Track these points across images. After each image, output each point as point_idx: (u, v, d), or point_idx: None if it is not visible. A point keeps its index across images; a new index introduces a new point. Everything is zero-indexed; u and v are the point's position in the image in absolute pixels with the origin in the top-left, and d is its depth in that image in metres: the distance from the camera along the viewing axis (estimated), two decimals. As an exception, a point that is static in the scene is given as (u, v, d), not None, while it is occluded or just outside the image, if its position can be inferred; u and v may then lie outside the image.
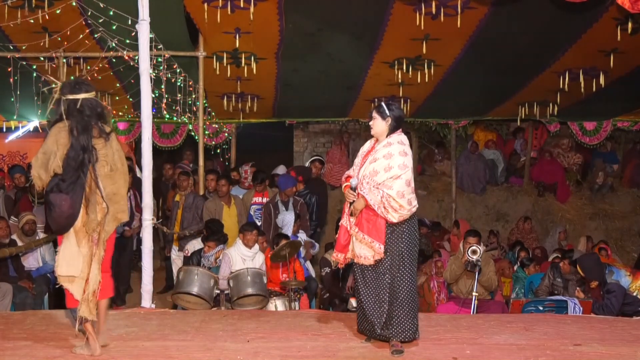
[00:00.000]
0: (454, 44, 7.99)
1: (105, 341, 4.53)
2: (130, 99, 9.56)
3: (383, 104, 4.70)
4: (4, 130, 10.27)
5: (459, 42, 7.90)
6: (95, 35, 7.78)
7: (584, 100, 9.55)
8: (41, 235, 7.69)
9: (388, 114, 4.65)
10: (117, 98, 9.88)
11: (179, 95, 8.82)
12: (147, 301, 6.15)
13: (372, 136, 4.81)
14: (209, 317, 5.66)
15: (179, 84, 8.67)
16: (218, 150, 11.56)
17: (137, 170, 9.64)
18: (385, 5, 7.05)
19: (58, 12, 7.22)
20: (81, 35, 7.72)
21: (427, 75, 8.71)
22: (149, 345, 4.63)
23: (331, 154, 12.08)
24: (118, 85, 9.14)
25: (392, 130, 4.66)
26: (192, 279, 6.45)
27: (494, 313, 6.45)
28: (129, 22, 6.99)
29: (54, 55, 8.19)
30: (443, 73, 8.86)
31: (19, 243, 7.42)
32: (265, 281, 6.62)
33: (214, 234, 7.27)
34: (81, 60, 8.52)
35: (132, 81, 8.26)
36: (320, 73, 9.02)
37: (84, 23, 7.55)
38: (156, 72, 8.13)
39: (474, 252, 6.57)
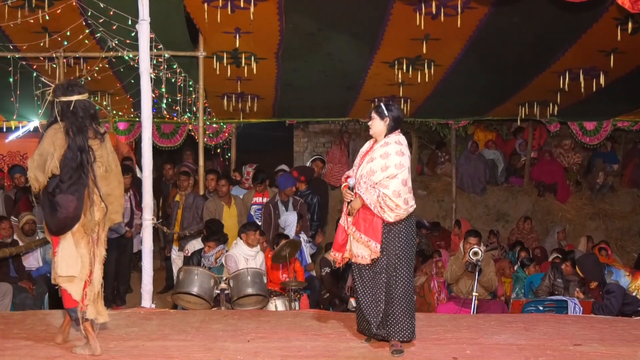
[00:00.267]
0: (454, 44, 7.99)
1: (66, 338, 4.56)
2: (130, 99, 9.57)
3: (382, 104, 4.74)
4: (4, 130, 10.27)
5: (459, 42, 7.90)
6: (95, 35, 7.78)
7: (584, 100, 9.55)
8: (41, 235, 7.69)
9: (386, 114, 4.67)
10: (117, 98, 9.88)
11: (179, 95, 8.82)
12: (147, 301, 6.16)
13: (372, 136, 4.83)
14: (209, 317, 5.66)
15: (179, 84, 8.67)
16: (218, 150, 11.56)
17: (137, 170, 9.65)
18: (385, 5, 7.05)
19: (58, 12, 7.22)
20: (81, 35, 7.72)
21: (427, 75, 8.70)
22: (149, 345, 4.63)
23: (331, 154, 12.08)
24: (118, 85, 9.14)
25: (390, 130, 4.68)
26: (192, 279, 6.45)
27: (494, 313, 6.45)
28: (129, 22, 6.99)
29: (54, 55, 8.19)
30: (443, 73, 8.85)
31: (20, 243, 7.42)
32: (265, 281, 6.62)
33: (214, 234, 7.27)
34: (81, 60, 8.52)
35: (132, 81, 8.27)
36: (320, 73, 9.02)
37: (84, 23, 7.55)
38: (156, 72, 8.14)
39: (476, 253, 6.56)
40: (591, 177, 12.44)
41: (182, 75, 8.62)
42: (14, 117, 9.68)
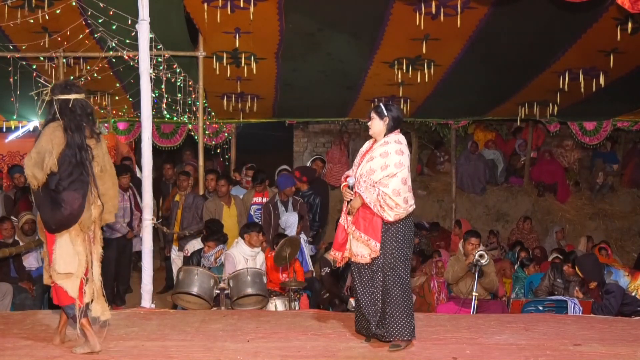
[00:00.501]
0: (453, 44, 7.99)
1: (63, 339, 4.56)
2: (130, 99, 9.57)
3: (381, 104, 4.77)
4: (4, 130, 10.27)
5: (458, 42, 7.90)
6: (95, 35, 7.78)
7: (584, 100, 9.55)
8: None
9: (386, 114, 4.68)
10: (117, 98, 9.88)
11: (179, 95, 8.82)
12: (147, 301, 6.15)
13: (371, 136, 4.84)
14: (209, 317, 5.66)
15: (178, 84, 8.68)
16: (218, 150, 11.56)
17: (137, 170, 9.64)
18: (385, 5, 7.05)
19: (58, 12, 7.22)
20: (81, 35, 7.72)
21: (427, 75, 8.70)
22: (149, 345, 4.63)
23: (331, 154, 12.08)
24: (118, 85, 9.14)
25: (389, 130, 4.70)
26: (192, 279, 6.45)
27: (494, 313, 6.45)
28: (129, 22, 6.99)
29: (54, 55, 8.19)
30: (443, 73, 8.85)
31: (20, 243, 7.42)
32: (265, 281, 6.62)
33: (214, 233, 7.27)
34: (81, 60, 8.52)
35: (132, 81, 8.27)
36: (320, 73, 9.02)
37: (84, 23, 7.55)
38: (156, 72, 8.14)
39: (482, 256, 6.56)
40: (591, 177, 12.45)
41: (182, 75, 8.62)
42: (14, 117, 9.68)
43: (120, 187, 7.94)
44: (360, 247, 4.63)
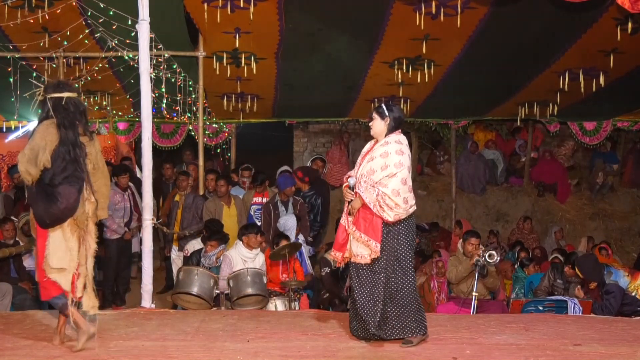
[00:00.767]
0: (453, 44, 7.99)
1: (63, 339, 4.57)
2: (130, 99, 9.56)
3: (383, 104, 4.77)
4: (4, 130, 10.27)
5: (458, 42, 7.90)
6: (95, 35, 7.78)
7: (584, 100, 9.55)
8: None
9: (387, 114, 4.69)
10: (117, 98, 9.88)
11: (179, 95, 8.82)
12: (147, 301, 6.16)
13: (372, 136, 4.84)
14: (209, 317, 5.66)
15: (178, 84, 8.67)
16: (218, 150, 11.56)
17: (137, 170, 9.64)
18: (385, 5, 7.05)
19: (58, 12, 7.22)
20: (81, 35, 7.73)
21: (427, 75, 8.71)
22: (149, 345, 4.63)
23: (331, 154, 12.08)
24: (118, 85, 9.14)
25: (390, 130, 4.70)
26: (192, 279, 6.45)
27: (494, 313, 6.45)
28: (129, 22, 6.99)
29: (53, 55, 8.19)
30: (443, 73, 8.85)
31: (20, 244, 7.42)
32: (265, 281, 6.62)
33: (216, 233, 7.27)
34: (81, 60, 8.52)
35: (132, 81, 8.27)
36: (320, 73, 9.02)
37: (84, 23, 7.55)
38: (156, 72, 8.14)
39: (491, 256, 6.56)
40: (591, 177, 12.45)
41: (182, 75, 8.62)
42: (14, 117, 9.68)
43: (120, 187, 7.98)
44: (360, 248, 4.63)
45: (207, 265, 6.98)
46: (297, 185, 8.51)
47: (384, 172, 4.53)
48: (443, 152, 12.52)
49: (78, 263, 4.43)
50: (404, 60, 8.45)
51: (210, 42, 8.06)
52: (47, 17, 7.30)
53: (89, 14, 7.27)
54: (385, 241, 4.58)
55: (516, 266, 8.57)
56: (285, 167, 9.27)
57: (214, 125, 11.18)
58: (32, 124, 9.93)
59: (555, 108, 10.02)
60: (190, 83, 8.80)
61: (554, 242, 10.72)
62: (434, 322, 5.41)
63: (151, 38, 6.54)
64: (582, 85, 8.73)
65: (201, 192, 8.54)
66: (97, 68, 8.41)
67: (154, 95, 7.79)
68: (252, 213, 8.45)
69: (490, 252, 6.60)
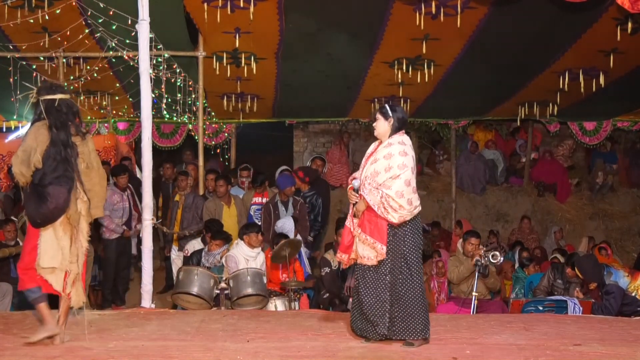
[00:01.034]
0: (454, 44, 7.99)
1: (63, 338, 4.58)
2: (130, 99, 9.57)
3: (386, 105, 4.76)
4: (4, 130, 10.28)
5: (458, 42, 7.90)
6: (95, 35, 7.78)
7: (584, 100, 9.55)
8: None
9: (391, 114, 4.67)
10: (117, 98, 9.88)
11: (179, 95, 8.82)
12: (147, 301, 6.16)
13: (371, 136, 4.84)
14: (209, 317, 5.66)
15: (178, 84, 8.67)
16: (218, 150, 11.56)
17: (137, 170, 9.64)
18: (385, 5, 7.05)
19: (58, 12, 7.23)
20: (81, 35, 7.73)
21: (427, 75, 8.71)
22: (149, 345, 4.62)
23: (331, 154, 12.08)
24: (118, 85, 9.15)
25: (394, 131, 4.68)
26: (192, 279, 6.44)
27: (494, 313, 6.45)
28: (129, 22, 6.99)
29: (53, 55, 8.20)
30: (443, 73, 8.86)
31: (20, 244, 7.42)
32: (265, 281, 6.62)
33: (220, 232, 7.27)
34: (81, 60, 8.53)
35: (132, 81, 8.27)
36: (320, 73, 9.02)
37: (83, 23, 7.55)
38: (156, 72, 8.14)
39: (495, 256, 6.57)
40: (591, 177, 12.45)
41: (182, 75, 8.62)
42: (14, 117, 9.68)
43: (118, 187, 7.97)
44: (366, 250, 4.62)
45: (209, 265, 6.98)
46: (297, 185, 8.51)
47: (388, 174, 4.52)
48: (442, 152, 12.53)
49: (69, 261, 4.48)
50: (404, 60, 8.45)
51: (210, 42, 8.06)
52: (47, 17, 7.30)
53: (89, 14, 7.28)
54: (392, 243, 4.57)
55: (516, 266, 8.57)
56: (284, 167, 9.27)
57: (214, 125, 11.18)
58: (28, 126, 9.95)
59: (555, 108, 10.02)
60: (190, 83, 8.80)
61: (554, 242, 10.72)
62: (434, 322, 5.40)
63: (151, 38, 6.54)
64: (582, 85, 8.73)
65: (201, 192, 8.54)
66: (97, 68, 8.41)
67: (153, 96, 7.78)
68: (252, 213, 8.45)
69: (494, 252, 6.60)
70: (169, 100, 9.08)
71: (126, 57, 8.05)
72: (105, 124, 10.89)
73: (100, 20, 7.30)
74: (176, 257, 8.38)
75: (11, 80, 8.14)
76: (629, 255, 11.35)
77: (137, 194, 7.92)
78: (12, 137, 10.31)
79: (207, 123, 10.59)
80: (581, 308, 6.38)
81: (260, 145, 12.92)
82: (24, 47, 8.03)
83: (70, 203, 4.44)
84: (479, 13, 7.14)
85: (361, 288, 4.69)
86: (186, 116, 9.60)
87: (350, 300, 6.06)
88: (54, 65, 8.36)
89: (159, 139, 10.99)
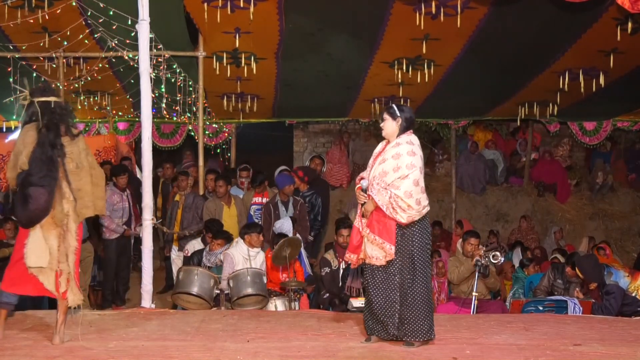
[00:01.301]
0: (453, 44, 7.99)
1: (63, 338, 4.60)
2: (130, 99, 9.57)
3: (394, 105, 4.75)
4: (4, 130, 10.28)
5: (458, 42, 7.90)
6: (95, 35, 7.79)
7: (584, 100, 9.55)
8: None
9: (398, 114, 4.66)
10: (117, 98, 9.89)
11: (179, 95, 8.82)
12: (147, 301, 6.16)
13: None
14: (209, 317, 5.66)
15: (178, 84, 8.68)
16: (218, 150, 11.56)
17: (137, 170, 9.64)
18: (385, 5, 7.05)
19: (58, 12, 7.23)
20: (81, 35, 7.74)
21: (427, 75, 8.71)
22: (149, 345, 4.62)
23: (331, 154, 12.09)
24: (118, 85, 9.15)
25: (402, 131, 4.67)
26: (192, 279, 6.44)
27: (494, 313, 6.45)
28: (129, 22, 7.00)
29: (53, 55, 8.20)
30: (443, 73, 8.86)
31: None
32: (265, 281, 6.62)
33: (222, 232, 7.27)
34: (81, 60, 8.53)
35: (132, 81, 8.27)
36: (320, 73, 9.02)
37: (84, 23, 7.56)
38: (156, 72, 8.14)
39: (495, 257, 6.57)
40: (591, 177, 12.45)
41: (182, 75, 8.62)
42: (14, 117, 9.68)
43: (118, 187, 7.98)
44: (375, 250, 4.61)
45: (211, 264, 6.98)
46: (297, 185, 8.50)
47: (396, 174, 4.51)
48: (442, 152, 12.53)
49: (59, 260, 4.49)
50: (404, 60, 8.46)
51: (210, 42, 8.06)
52: (47, 17, 7.30)
53: (89, 14, 7.28)
54: (400, 244, 4.56)
55: (516, 266, 8.57)
56: (283, 167, 9.27)
57: (214, 125, 11.18)
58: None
59: (555, 108, 10.02)
60: (190, 83, 8.80)
61: (554, 242, 10.72)
62: (434, 322, 5.41)
63: (151, 38, 6.54)
64: (582, 85, 8.73)
65: (201, 192, 8.54)
66: (97, 68, 8.41)
67: (153, 96, 7.79)
68: (252, 213, 8.45)
69: (495, 252, 6.60)
70: (169, 100, 9.09)
71: (126, 57, 8.05)
72: (105, 124, 10.89)
73: (100, 20, 7.31)
74: (176, 257, 8.38)
75: (11, 80, 8.14)
76: (629, 255, 11.35)
77: (137, 194, 7.92)
78: (12, 137, 10.31)
79: (207, 123, 10.60)
80: (581, 308, 6.38)
81: (260, 145, 12.92)
82: (24, 47, 8.03)
83: (55, 203, 4.43)
84: (479, 13, 7.15)
85: (371, 288, 4.68)
86: (186, 116, 9.59)
87: (351, 300, 6.08)
88: (54, 65, 8.36)
89: (159, 139, 10.99)
